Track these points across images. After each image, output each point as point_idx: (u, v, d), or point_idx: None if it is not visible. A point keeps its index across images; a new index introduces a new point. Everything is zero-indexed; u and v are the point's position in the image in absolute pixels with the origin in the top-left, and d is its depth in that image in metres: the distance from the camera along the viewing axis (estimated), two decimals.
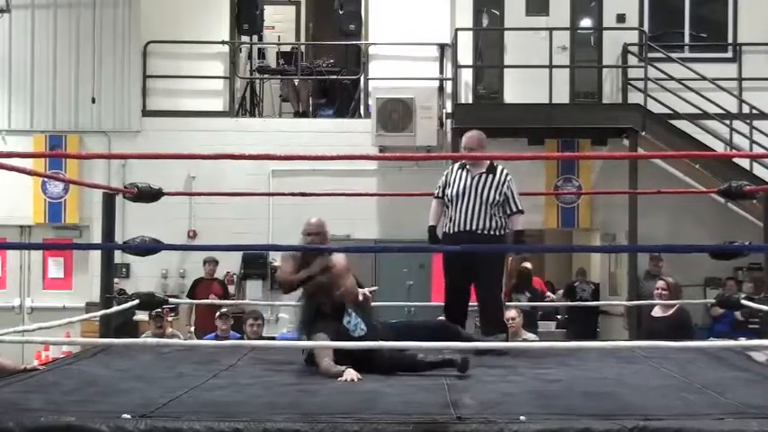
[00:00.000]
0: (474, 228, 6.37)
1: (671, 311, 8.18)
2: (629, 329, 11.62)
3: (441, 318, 6.67)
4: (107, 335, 6.40)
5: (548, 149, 12.81)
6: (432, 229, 6.62)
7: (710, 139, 12.14)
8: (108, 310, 6.33)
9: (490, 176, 6.41)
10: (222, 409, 4.22)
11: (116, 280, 8.29)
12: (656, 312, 8.32)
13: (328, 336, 5.52)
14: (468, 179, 6.42)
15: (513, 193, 6.43)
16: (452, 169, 6.57)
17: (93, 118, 13.25)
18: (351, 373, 5.18)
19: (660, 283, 8.34)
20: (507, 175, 6.44)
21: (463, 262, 6.34)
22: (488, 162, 6.47)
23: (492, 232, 6.37)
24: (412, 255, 12.57)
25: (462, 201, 6.40)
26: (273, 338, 11.15)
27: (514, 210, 6.43)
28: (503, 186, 6.39)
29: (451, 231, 6.46)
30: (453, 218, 6.45)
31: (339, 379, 5.17)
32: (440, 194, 6.57)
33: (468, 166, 6.47)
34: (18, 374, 5.28)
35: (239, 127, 13.25)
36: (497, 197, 6.38)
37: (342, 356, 5.30)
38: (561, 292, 12.98)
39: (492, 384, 5.04)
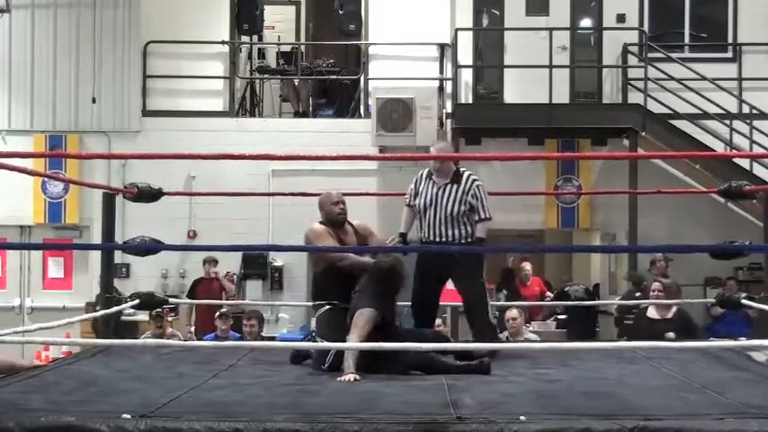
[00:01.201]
0: (443, 239, 6.24)
1: (671, 313, 8.12)
2: None
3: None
4: (105, 335, 6.40)
5: (548, 149, 12.78)
6: (402, 236, 6.49)
7: (710, 139, 12.13)
8: (108, 311, 6.33)
9: (454, 187, 6.22)
10: (222, 409, 4.23)
11: None
12: (652, 314, 8.25)
13: (378, 313, 5.50)
14: (434, 190, 6.26)
15: (480, 201, 6.21)
16: (421, 176, 6.39)
17: (93, 118, 13.23)
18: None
19: (656, 285, 8.29)
20: (474, 182, 6.24)
21: (437, 268, 6.25)
22: (453, 171, 6.27)
23: (462, 241, 6.22)
24: (410, 255, 12.46)
25: (429, 212, 6.26)
26: (273, 338, 11.15)
27: (481, 217, 6.22)
28: (467, 195, 6.20)
29: (424, 240, 6.38)
30: (424, 228, 6.35)
31: (338, 379, 5.18)
32: (410, 203, 6.43)
33: (433, 177, 6.30)
34: (18, 374, 5.28)
35: (239, 127, 13.24)
36: (462, 207, 6.19)
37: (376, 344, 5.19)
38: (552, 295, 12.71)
39: (492, 384, 5.05)
